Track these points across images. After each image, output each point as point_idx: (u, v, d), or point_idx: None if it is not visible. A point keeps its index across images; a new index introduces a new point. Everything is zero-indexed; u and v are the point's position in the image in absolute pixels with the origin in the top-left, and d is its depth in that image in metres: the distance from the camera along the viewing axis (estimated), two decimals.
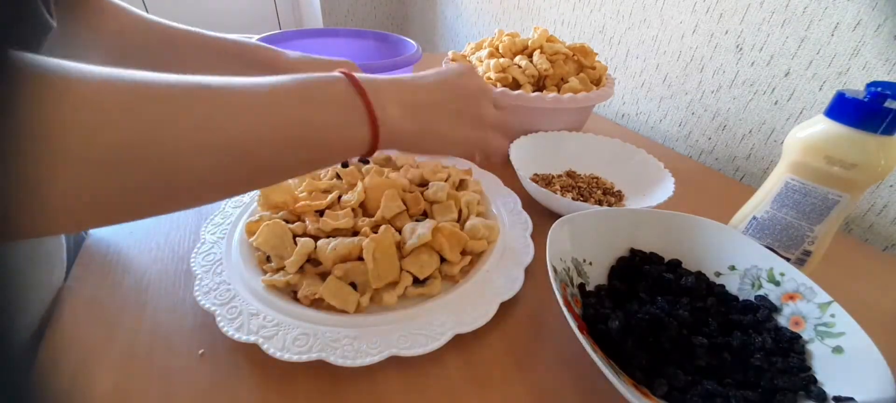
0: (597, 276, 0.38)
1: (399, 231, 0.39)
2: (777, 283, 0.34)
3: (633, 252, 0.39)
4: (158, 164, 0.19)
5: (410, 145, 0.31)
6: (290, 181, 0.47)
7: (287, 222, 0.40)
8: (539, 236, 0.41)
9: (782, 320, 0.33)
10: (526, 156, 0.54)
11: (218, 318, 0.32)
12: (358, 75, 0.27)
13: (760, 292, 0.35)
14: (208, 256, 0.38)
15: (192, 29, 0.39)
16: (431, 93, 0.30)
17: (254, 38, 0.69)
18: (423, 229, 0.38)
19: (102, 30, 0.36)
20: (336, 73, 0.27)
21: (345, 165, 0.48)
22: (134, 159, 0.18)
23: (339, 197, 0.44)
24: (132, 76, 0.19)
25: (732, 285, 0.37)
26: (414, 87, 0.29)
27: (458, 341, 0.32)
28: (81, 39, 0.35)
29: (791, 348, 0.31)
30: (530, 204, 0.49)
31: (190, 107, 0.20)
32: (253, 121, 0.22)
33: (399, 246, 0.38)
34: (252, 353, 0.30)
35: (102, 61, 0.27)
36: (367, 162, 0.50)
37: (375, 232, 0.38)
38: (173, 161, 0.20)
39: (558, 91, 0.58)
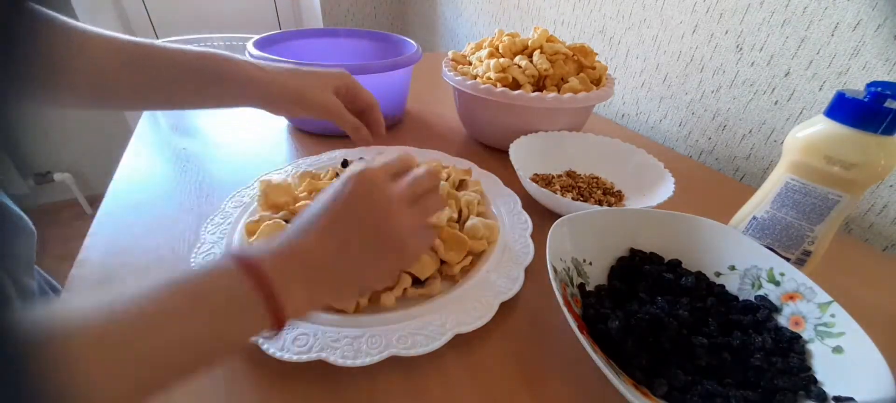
0: (597, 276, 0.38)
1: None
2: (777, 283, 0.34)
3: (633, 252, 0.39)
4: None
5: (324, 308, 0.31)
6: (289, 181, 0.48)
7: (287, 222, 0.40)
8: (539, 236, 0.42)
9: (782, 320, 0.33)
10: (526, 156, 0.54)
11: None
12: (251, 256, 0.24)
13: (760, 292, 0.35)
14: (208, 256, 0.38)
15: (159, 44, 0.38)
16: (332, 239, 0.25)
17: (253, 38, 0.69)
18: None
19: (78, 61, 0.34)
20: (228, 263, 0.23)
21: (344, 164, 0.49)
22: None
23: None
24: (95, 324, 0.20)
25: (732, 285, 0.37)
26: (313, 245, 0.25)
27: (458, 341, 0.32)
28: (59, 76, 0.34)
29: (791, 348, 0.31)
30: (530, 204, 0.49)
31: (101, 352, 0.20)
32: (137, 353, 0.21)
33: None
34: (252, 353, 0.30)
35: (81, 92, 0.33)
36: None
37: None
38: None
39: (558, 91, 0.58)
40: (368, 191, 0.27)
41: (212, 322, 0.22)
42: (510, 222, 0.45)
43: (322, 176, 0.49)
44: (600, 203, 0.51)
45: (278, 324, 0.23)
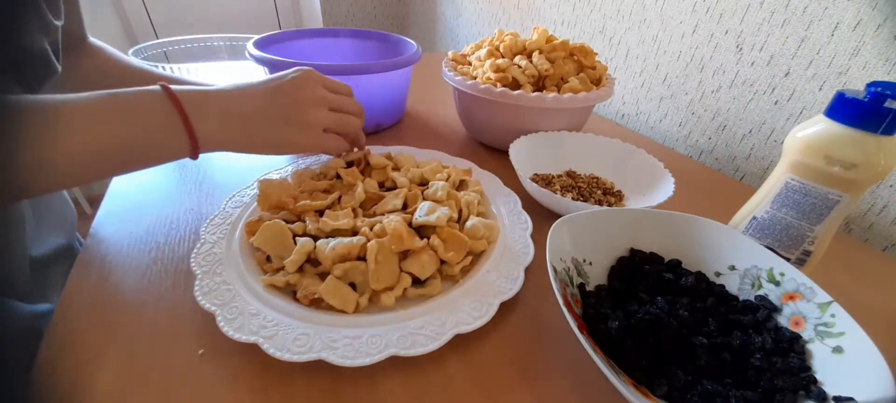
0: (597, 276, 0.38)
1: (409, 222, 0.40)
2: (777, 283, 0.34)
3: (633, 252, 0.39)
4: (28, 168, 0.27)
5: (238, 149, 0.36)
6: (289, 181, 0.47)
7: (287, 222, 0.40)
8: (539, 236, 0.42)
9: (782, 320, 0.33)
10: (526, 156, 0.54)
11: (218, 318, 0.32)
12: (178, 89, 0.31)
13: (760, 292, 0.35)
14: (208, 256, 0.38)
15: (165, 74, 0.48)
16: (256, 100, 0.33)
17: (253, 38, 0.69)
18: (440, 212, 0.39)
19: (88, 69, 0.44)
20: (155, 88, 0.31)
21: (350, 165, 0.49)
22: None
23: (340, 197, 0.44)
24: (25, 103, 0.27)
25: (732, 285, 0.37)
26: (239, 97, 0.33)
27: (458, 341, 0.32)
28: (72, 77, 0.43)
29: (791, 348, 0.31)
30: (530, 204, 0.49)
31: (36, 127, 0.27)
32: (79, 137, 0.28)
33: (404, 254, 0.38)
34: (252, 353, 0.30)
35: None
36: (366, 162, 0.50)
37: (372, 230, 0.38)
38: (34, 166, 0.27)
39: (558, 91, 0.58)
40: (304, 81, 0.35)
41: (137, 123, 0.29)
42: (510, 222, 0.45)
43: (320, 176, 0.49)
44: (600, 203, 0.51)
45: (193, 143, 0.31)
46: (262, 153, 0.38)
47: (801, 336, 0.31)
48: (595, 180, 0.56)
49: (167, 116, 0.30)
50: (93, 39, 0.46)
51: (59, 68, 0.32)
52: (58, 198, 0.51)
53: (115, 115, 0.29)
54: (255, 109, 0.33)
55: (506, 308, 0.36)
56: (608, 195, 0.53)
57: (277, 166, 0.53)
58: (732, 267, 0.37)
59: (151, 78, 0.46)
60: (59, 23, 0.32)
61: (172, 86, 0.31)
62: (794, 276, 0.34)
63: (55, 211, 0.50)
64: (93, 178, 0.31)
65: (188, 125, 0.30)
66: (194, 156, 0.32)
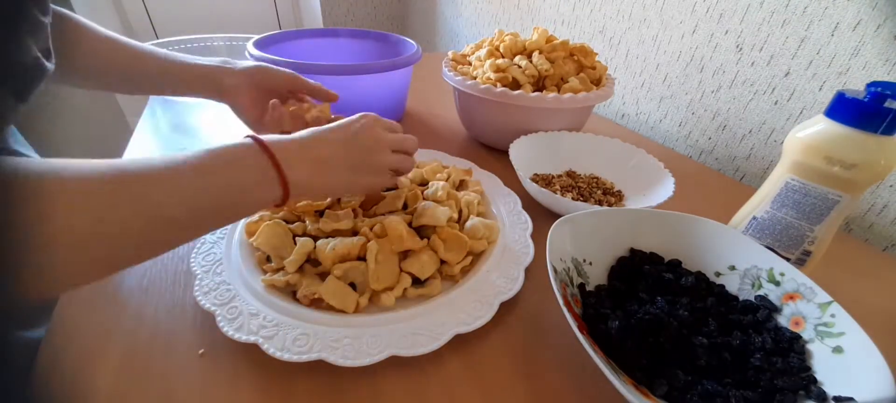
0: (597, 276, 0.38)
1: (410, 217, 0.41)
2: (777, 283, 0.34)
3: (633, 252, 0.39)
4: (116, 236, 0.24)
5: (318, 195, 0.39)
6: None
7: (287, 222, 0.40)
8: (539, 236, 0.42)
9: (782, 320, 0.33)
10: (526, 156, 0.54)
11: (218, 318, 0.32)
12: (267, 139, 0.31)
13: (760, 292, 0.35)
14: (208, 256, 0.38)
15: (156, 51, 0.47)
16: (331, 147, 0.34)
17: (253, 38, 0.69)
18: (439, 186, 0.42)
19: (78, 54, 0.43)
20: (247, 141, 0.30)
21: None
22: (96, 236, 0.23)
23: (339, 197, 0.44)
24: (89, 169, 0.24)
25: (732, 285, 0.37)
26: (318, 145, 0.34)
27: (458, 341, 0.32)
28: (64, 66, 0.40)
29: (791, 348, 0.31)
30: (530, 204, 0.49)
31: (130, 190, 0.24)
32: (182, 196, 0.26)
33: (404, 254, 0.38)
34: (252, 353, 0.30)
35: (81, 81, 0.44)
36: None
37: (372, 230, 0.38)
38: (123, 233, 0.24)
39: (558, 91, 0.58)
40: (371, 127, 0.37)
41: (226, 173, 0.28)
42: (510, 222, 0.45)
43: None
44: (600, 203, 0.51)
45: (285, 192, 0.30)
46: (333, 196, 0.41)
47: (801, 336, 0.31)
48: (595, 180, 0.56)
49: (264, 168, 0.30)
50: (70, 15, 0.44)
51: (51, 67, 0.31)
52: None
53: (214, 175, 0.28)
54: (332, 155, 0.34)
55: (506, 308, 0.36)
56: (608, 195, 0.53)
57: None
58: (732, 267, 0.37)
59: (156, 61, 0.46)
60: (47, 19, 0.30)
61: (262, 138, 0.31)
62: (794, 276, 0.34)
63: None
64: (186, 235, 0.29)
65: (282, 175, 0.30)
66: (281, 205, 0.32)
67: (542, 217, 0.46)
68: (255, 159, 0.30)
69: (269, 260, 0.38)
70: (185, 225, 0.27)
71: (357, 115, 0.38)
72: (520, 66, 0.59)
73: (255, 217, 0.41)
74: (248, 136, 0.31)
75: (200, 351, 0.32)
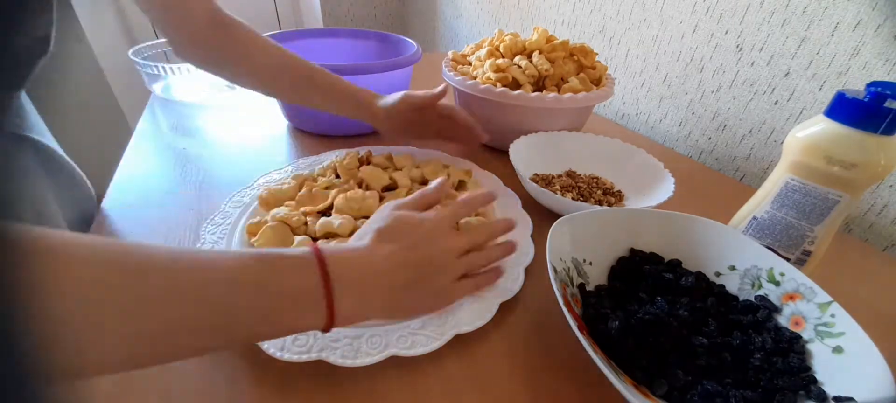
0: (597, 276, 0.38)
1: None
2: (777, 283, 0.34)
3: (633, 252, 0.39)
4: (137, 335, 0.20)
5: (372, 320, 0.31)
6: (290, 181, 0.47)
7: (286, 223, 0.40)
8: (539, 236, 0.42)
9: (782, 320, 0.33)
10: (526, 156, 0.54)
11: None
12: (328, 252, 0.26)
13: (760, 292, 0.35)
14: None
15: (315, 65, 0.52)
16: (393, 276, 0.28)
17: None
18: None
19: (257, 62, 0.53)
20: (308, 257, 0.26)
21: (364, 161, 0.50)
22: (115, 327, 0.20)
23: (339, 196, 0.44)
24: (114, 254, 0.20)
25: (732, 285, 0.37)
26: (374, 272, 0.28)
27: (458, 341, 0.32)
28: (240, 68, 0.51)
29: (791, 348, 0.31)
30: (530, 204, 0.49)
31: (159, 288, 0.21)
32: (215, 303, 0.22)
33: None
34: (252, 353, 0.30)
35: (252, 83, 0.53)
36: (368, 162, 0.50)
37: None
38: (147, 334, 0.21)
39: (558, 91, 0.58)
40: (440, 232, 0.31)
41: (275, 299, 0.24)
42: None
43: (318, 177, 0.49)
44: (600, 203, 0.51)
45: (330, 317, 0.25)
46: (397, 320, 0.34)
47: (801, 336, 0.31)
48: (595, 180, 0.56)
49: (314, 297, 0.25)
50: (228, 15, 0.51)
51: (50, 48, 0.30)
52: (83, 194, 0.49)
53: (255, 285, 0.23)
54: (392, 267, 0.28)
55: (506, 308, 0.36)
56: (608, 195, 0.53)
57: (277, 166, 0.53)
58: (732, 267, 0.37)
59: (324, 75, 0.51)
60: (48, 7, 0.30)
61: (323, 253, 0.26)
62: (794, 276, 0.34)
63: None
64: (219, 342, 0.24)
65: (331, 309, 0.25)
66: (325, 331, 0.27)
67: (542, 217, 0.46)
68: (311, 285, 0.25)
69: None
70: (203, 334, 0.23)
71: (428, 212, 0.32)
72: (520, 66, 0.59)
73: (256, 217, 0.41)
74: (312, 247, 0.26)
75: None
